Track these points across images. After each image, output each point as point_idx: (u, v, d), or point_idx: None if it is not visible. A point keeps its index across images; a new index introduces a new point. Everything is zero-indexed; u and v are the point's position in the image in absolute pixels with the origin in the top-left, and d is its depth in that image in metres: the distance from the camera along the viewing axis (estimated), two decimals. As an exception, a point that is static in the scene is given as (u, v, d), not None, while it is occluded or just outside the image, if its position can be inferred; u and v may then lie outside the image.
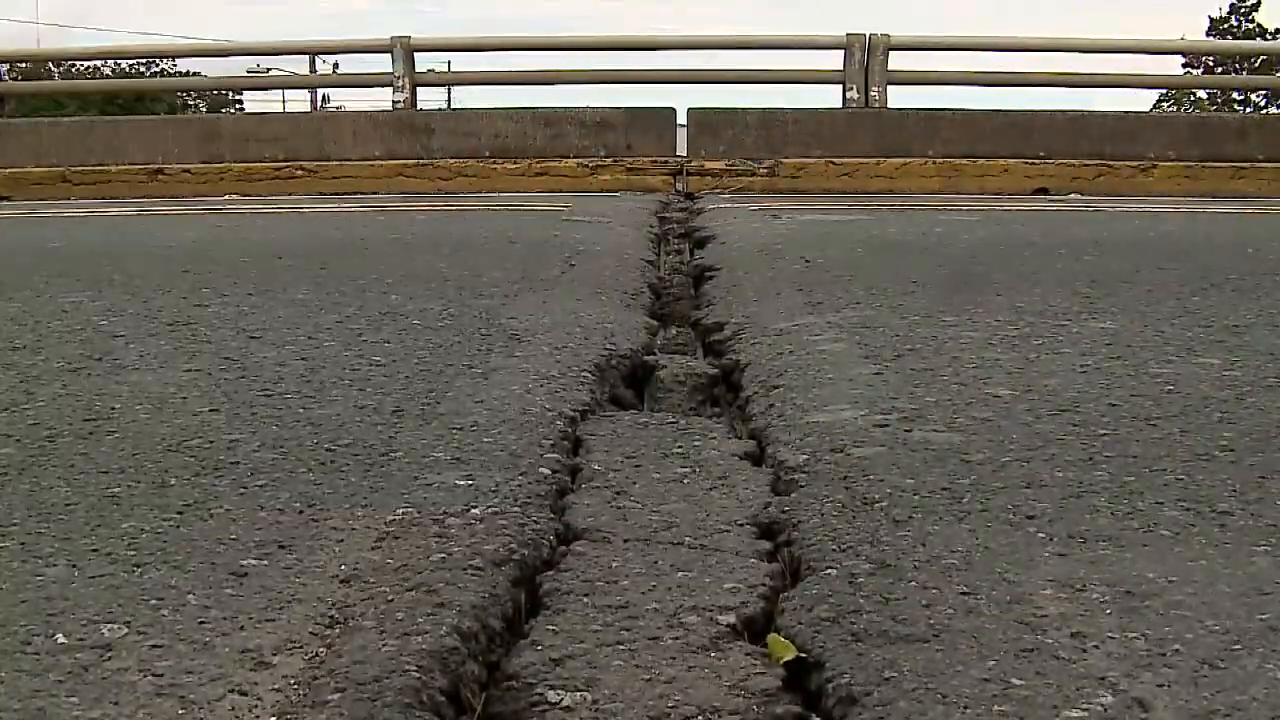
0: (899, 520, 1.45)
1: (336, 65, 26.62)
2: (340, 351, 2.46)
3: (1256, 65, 16.88)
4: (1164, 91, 28.17)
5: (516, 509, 1.50)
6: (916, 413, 1.95)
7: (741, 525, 1.52)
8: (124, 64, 24.68)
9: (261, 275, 3.67)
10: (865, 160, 10.17)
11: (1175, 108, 27.65)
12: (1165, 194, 9.35)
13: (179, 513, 1.47)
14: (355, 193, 10.06)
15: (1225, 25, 43.06)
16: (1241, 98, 30.68)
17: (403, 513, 1.48)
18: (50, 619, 1.16)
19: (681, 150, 10.70)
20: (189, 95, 32.35)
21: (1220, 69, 20.06)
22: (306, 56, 14.48)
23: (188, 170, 10.60)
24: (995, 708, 0.99)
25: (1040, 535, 1.39)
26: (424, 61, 12.18)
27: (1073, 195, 9.17)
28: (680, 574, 1.35)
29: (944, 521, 1.44)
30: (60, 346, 2.51)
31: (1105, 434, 1.82)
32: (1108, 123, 9.78)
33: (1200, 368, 2.28)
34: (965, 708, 0.99)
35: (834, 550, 1.36)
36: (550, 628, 1.21)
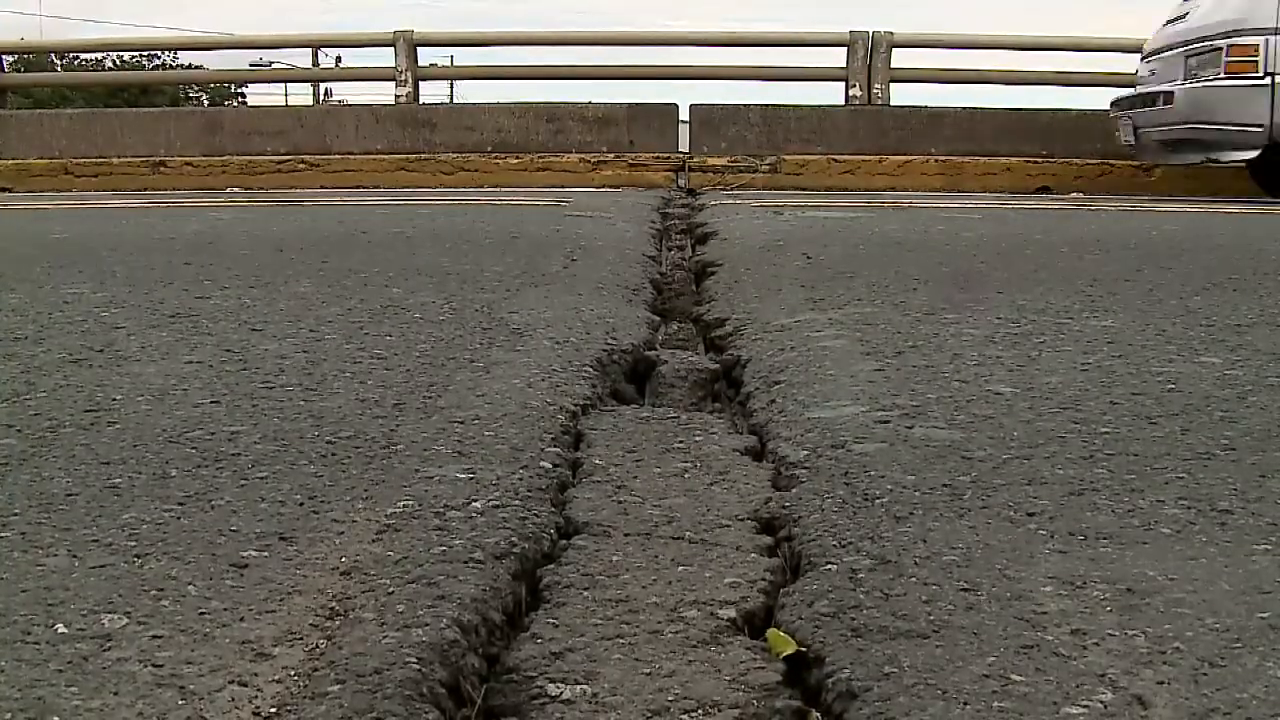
0: (900, 516, 1.45)
1: (339, 59, 26.63)
2: (341, 344, 2.46)
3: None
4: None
5: (517, 502, 1.50)
6: (918, 409, 1.95)
7: (742, 520, 1.52)
8: (126, 56, 24.66)
9: (263, 268, 3.67)
10: (868, 157, 10.18)
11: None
12: (1167, 193, 9.35)
13: (180, 504, 1.47)
14: (357, 186, 10.06)
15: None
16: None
17: (404, 505, 1.48)
18: (50, 609, 1.16)
19: (684, 146, 10.72)
20: (190, 88, 32.36)
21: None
22: (309, 50, 14.50)
23: (190, 163, 10.61)
24: (995, 704, 0.99)
25: (1041, 532, 1.39)
26: (426, 56, 12.20)
27: (1075, 194, 9.17)
28: (681, 568, 1.35)
29: (944, 518, 1.44)
30: (62, 338, 2.51)
31: (1106, 432, 1.81)
32: (1111, 122, 9.76)
33: (1202, 366, 2.28)
34: (965, 703, 0.99)
35: (834, 546, 1.36)
36: (550, 621, 1.21)
